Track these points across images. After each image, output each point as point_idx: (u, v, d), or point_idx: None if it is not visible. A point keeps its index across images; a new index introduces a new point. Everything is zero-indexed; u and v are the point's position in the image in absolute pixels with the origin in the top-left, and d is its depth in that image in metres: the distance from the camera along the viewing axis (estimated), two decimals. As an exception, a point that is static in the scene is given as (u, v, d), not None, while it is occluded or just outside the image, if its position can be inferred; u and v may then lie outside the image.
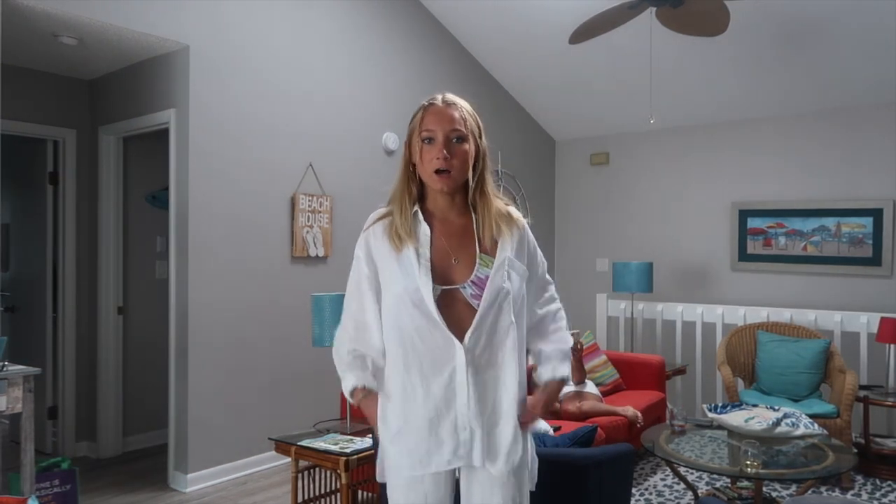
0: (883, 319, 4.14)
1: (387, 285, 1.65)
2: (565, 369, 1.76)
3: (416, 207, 1.68)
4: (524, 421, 1.65)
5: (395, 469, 1.65)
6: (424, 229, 1.66)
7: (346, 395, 1.73)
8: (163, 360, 4.09)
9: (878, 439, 4.14)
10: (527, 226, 1.77)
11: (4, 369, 2.77)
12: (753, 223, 5.44)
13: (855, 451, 3.19)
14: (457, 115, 1.65)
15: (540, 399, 1.73)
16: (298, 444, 2.94)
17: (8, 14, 3.24)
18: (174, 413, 3.84)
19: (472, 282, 1.62)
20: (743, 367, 4.55)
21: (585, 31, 3.78)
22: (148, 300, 4.59)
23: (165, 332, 4.00)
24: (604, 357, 4.49)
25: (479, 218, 1.67)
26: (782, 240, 5.31)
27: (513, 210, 1.75)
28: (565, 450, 2.43)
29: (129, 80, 4.19)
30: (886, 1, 4.02)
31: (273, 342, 4.16)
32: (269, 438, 3.21)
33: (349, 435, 3.05)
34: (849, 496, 3.66)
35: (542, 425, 3.34)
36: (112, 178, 4.39)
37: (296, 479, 3.07)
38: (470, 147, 1.65)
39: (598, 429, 3.29)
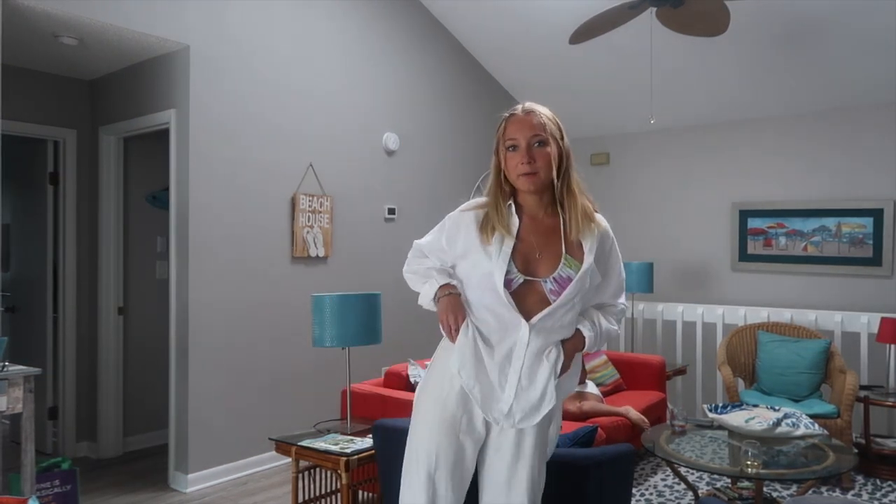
0: (883, 320, 4.14)
1: (469, 269, 1.84)
2: (591, 334, 1.85)
3: (511, 201, 1.85)
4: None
5: (440, 380, 1.86)
6: (515, 222, 1.83)
7: (429, 299, 1.89)
8: (163, 360, 4.10)
9: (878, 439, 4.14)
10: (608, 234, 1.92)
11: (5, 369, 2.77)
12: (754, 223, 5.44)
13: (855, 451, 3.19)
14: (536, 121, 1.80)
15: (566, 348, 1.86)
16: (299, 444, 2.94)
17: (8, 14, 3.24)
18: (174, 413, 3.84)
19: (553, 278, 1.79)
20: (743, 367, 4.55)
21: (586, 32, 3.77)
22: (148, 300, 4.59)
23: (166, 333, 4.00)
24: (604, 357, 4.49)
25: (566, 216, 1.83)
26: (783, 240, 5.31)
27: (597, 215, 1.91)
28: (566, 450, 2.43)
29: (130, 81, 4.19)
30: (886, 1, 4.02)
31: (273, 342, 4.16)
32: (270, 438, 3.20)
33: (349, 435, 3.05)
34: (849, 496, 3.66)
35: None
36: (112, 179, 4.39)
37: (296, 479, 3.07)
38: (552, 149, 1.80)
39: (599, 429, 3.29)
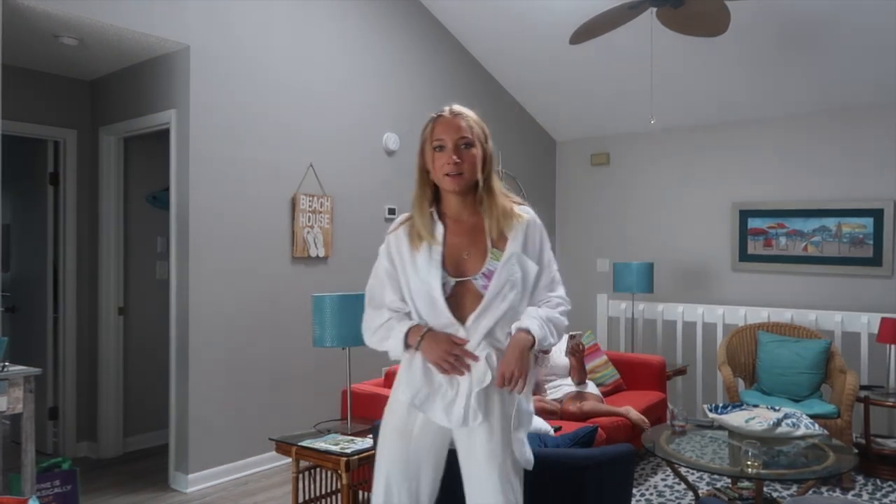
0: (883, 320, 4.14)
1: (407, 279, 1.88)
2: (535, 324, 1.81)
3: (433, 209, 1.90)
4: (498, 384, 1.80)
5: (396, 400, 1.92)
6: (439, 228, 1.88)
7: (400, 352, 1.88)
8: (163, 360, 4.10)
9: (878, 440, 4.14)
10: (534, 223, 1.90)
11: (5, 370, 2.77)
12: (754, 223, 5.44)
13: (855, 451, 3.19)
14: (463, 123, 1.84)
15: (506, 355, 1.80)
16: (299, 444, 2.94)
17: (8, 14, 3.24)
18: (175, 413, 3.84)
19: (483, 273, 1.83)
20: (743, 367, 4.55)
21: (586, 32, 3.78)
22: (148, 300, 4.59)
23: (166, 333, 4.00)
24: (604, 357, 4.49)
25: (487, 216, 1.86)
26: (783, 240, 5.31)
27: (521, 208, 1.91)
28: (566, 450, 2.43)
29: (130, 81, 4.19)
30: (886, 1, 4.02)
31: (274, 342, 4.16)
32: (270, 439, 3.21)
33: (349, 435, 3.05)
34: (849, 496, 3.66)
35: (541, 424, 3.34)
36: (113, 179, 4.39)
37: (296, 479, 3.07)
38: (477, 151, 1.84)
39: (599, 429, 3.29)
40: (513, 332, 1.82)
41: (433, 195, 1.91)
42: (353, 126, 4.64)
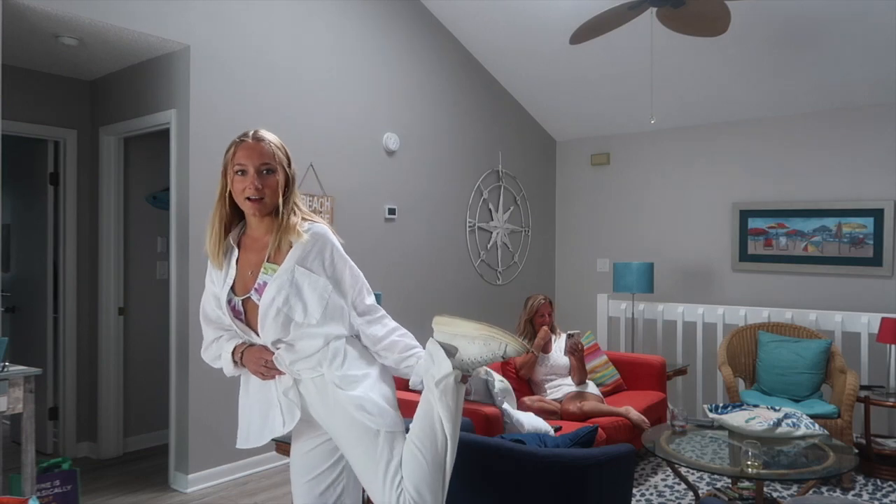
0: (884, 320, 4.14)
1: (211, 296, 1.97)
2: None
3: (235, 230, 1.95)
4: None
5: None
6: (234, 249, 1.92)
7: (231, 368, 2.01)
8: (164, 360, 4.10)
9: (879, 440, 4.14)
10: (318, 238, 1.88)
11: (5, 370, 2.77)
12: (754, 223, 5.44)
13: (856, 451, 3.19)
14: (266, 149, 1.85)
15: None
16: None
17: (8, 14, 3.24)
18: (175, 413, 3.83)
19: (255, 289, 1.87)
20: (744, 367, 4.54)
21: (586, 32, 3.78)
22: (149, 301, 4.59)
23: (166, 333, 4.00)
24: (605, 357, 4.49)
25: (276, 233, 1.86)
26: (783, 240, 5.31)
27: (310, 224, 1.90)
28: (566, 450, 2.43)
29: (130, 81, 4.19)
30: (886, 2, 4.02)
31: (274, 342, 4.15)
32: (270, 439, 3.20)
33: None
34: (850, 497, 3.66)
35: (541, 424, 3.34)
36: (113, 179, 4.39)
37: (296, 479, 3.06)
38: (279, 177, 1.86)
39: (599, 429, 3.29)
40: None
41: (232, 216, 1.92)
42: (353, 126, 4.64)
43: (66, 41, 3.67)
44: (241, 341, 1.95)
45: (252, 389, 2.03)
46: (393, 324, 2.01)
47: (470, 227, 5.57)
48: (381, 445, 1.85)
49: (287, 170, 1.90)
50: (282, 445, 3.02)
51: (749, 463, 2.81)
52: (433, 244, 5.26)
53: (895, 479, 3.89)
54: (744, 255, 5.49)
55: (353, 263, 1.96)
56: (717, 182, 5.66)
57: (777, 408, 3.47)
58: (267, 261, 1.87)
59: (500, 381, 3.55)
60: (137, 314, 4.55)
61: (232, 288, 1.90)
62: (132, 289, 4.53)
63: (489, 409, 3.16)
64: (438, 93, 5.30)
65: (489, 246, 5.78)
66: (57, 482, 3.26)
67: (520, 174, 6.11)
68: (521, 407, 3.77)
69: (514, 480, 2.34)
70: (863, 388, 4.19)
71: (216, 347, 2.01)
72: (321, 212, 4.37)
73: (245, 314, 1.91)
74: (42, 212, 4.44)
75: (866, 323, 4.50)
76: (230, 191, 1.87)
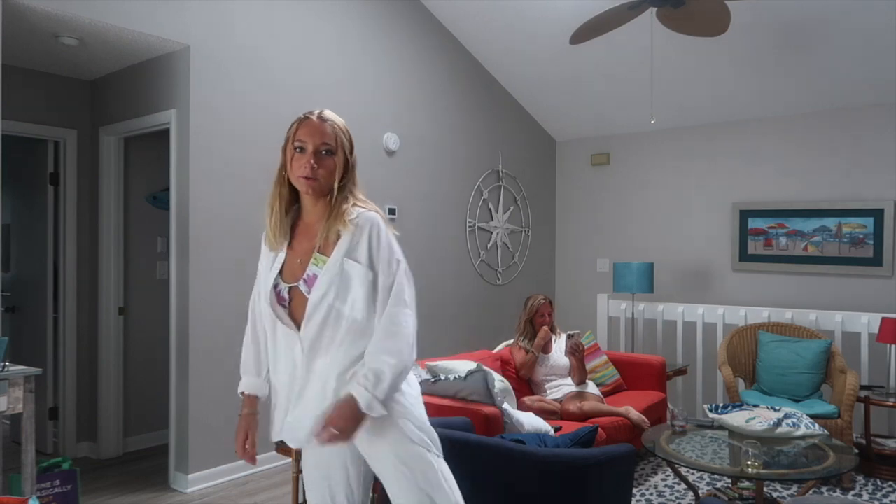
0: (884, 320, 4.14)
1: (259, 282, 1.93)
2: (362, 391, 1.68)
3: (289, 214, 1.88)
4: (319, 437, 1.69)
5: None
6: (287, 233, 1.86)
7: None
8: (164, 360, 4.10)
9: (879, 440, 4.14)
10: (366, 224, 1.79)
11: (5, 370, 2.77)
12: (754, 223, 5.44)
13: (856, 451, 3.19)
14: (328, 129, 1.81)
15: (329, 416, 1.70)
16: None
17: (8, 14, 3.24)
18: (175, 413, 3.83)
19: (304, 279, 1.79)
20: (744, 367, 4.54)
21: (586, 32, 3.77)
22: (149, 301, 4.59)
23: (166, 333, 4.00)
24: (605, 357, 4.49)
25: (326, 221, 1.79)
26: (783, 240, 5.31)
27: (364, 213, 1.81)
28: (566, 450, 2.43)
29: (130, 81, 4.19)
30: (886, 2, 4.02)
31: (274, 342, 4.15)
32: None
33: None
34: (850, 497, 3.66)
35: (541, 424, 3.34)
36: (113, 179, 4.39)
37: (296, 479, 3.06)
38: (338, 159, 1.81)
39: (599, 429, 3.29)
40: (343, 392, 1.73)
41: (290, 196, 1.87)
42: (353, 126, 4.57)
43: (66, 41, 3.67)
44: (247, 389, 2.00)
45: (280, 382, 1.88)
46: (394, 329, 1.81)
47: (470, 227, 5.57)
48: (438, 469, 1.77)
49: (348, 155, 1.86)
50: (282, 446, 3.02)
51: (749, 463, 2.81)
52: (433, 244, 5.26)
53: (895, 479, 3.89)
54: (744, 255, 5.49)
55: (399, 257, 1.81)
56: (717, 182, 5.66)
57: (777, 408, 3.47)
58: (317, 251, 1.79)
59: (500, 381, 3.55)
60: (137, 314, 4.55)
61: (280, 273, 1.83)
62: (132, 289, 4.53)
63: (489, 409, 3.17)
64: (439, 93, 5.30)
65: (489, 246, 5.78)
66: (57, 482, 3.26)
67: (520, 174, 6.11)
68: (521, 407, 3.77)
69: (514, 480, 2.34)
70: (863, 388, 4.19)
71: (242, 363, 2.06)
72: (321, 212, 4.36)
73: (289, 303, 1.82)
74: (42, 212, 4.44)
75: (866, 323, 4.50)
76: (287, 170, 1.83)
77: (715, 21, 3.58)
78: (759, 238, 5.41)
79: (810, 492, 3.40)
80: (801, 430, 3.25)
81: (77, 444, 4.41)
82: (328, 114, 1.86)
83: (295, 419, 1.79)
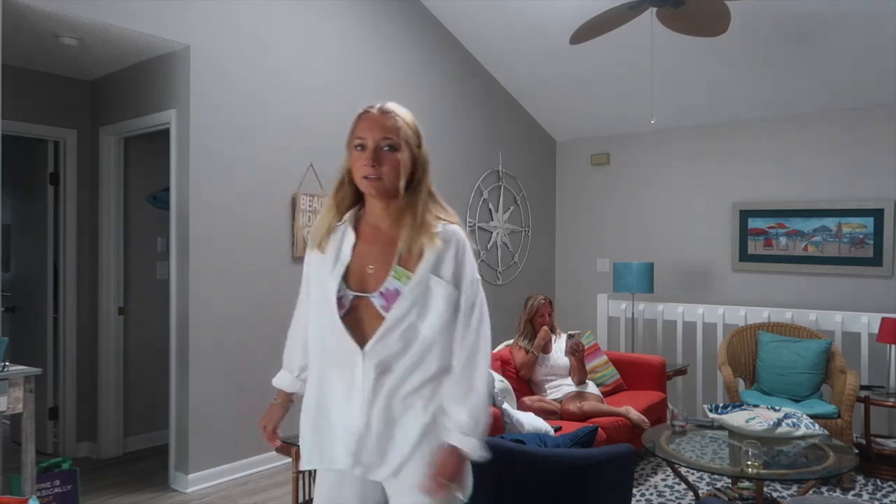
0: (884, 320, 4.14)
1: (309, 287, 1.76)
2: (466, 439, 1.55)
3: (349, 212, 1.71)
4: (428, 489, 1.54)
5: (306, 458, 1.74)
6: (350, 234, 1.68)
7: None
8: (164, 360, 4.09)
9: (879, 440, 4.14)
10: (453, 241, 1.65)
11: (5, 370, 2.77)
12: (754, 223, 5.44)
13: (856, 451, 3.19)
14: (390, 123, 1.65)
15: (432, 471, 1.55)
16: (300, 444, 2.93)
17: (8, 14, 3.24)
18: (175, 413, 3.83)
19: (381, 292, 1.60)
20: (744, 367, 4.54)
21: (586, 32, 3.77)
22: (149, 301, 4.59)
23: (166, 333, 4.00)
24: (605, 357, 4.49)
25: (404, 229, 1.63)
26: (783, 240, 5.31)
27: (448, 226, 1.65)
28: (566, 450, 2.43)
29: (130, 81, 4.19)
30: (887, 2, 4.02)
31: (274, 342, 4.14)
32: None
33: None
34: (850, 497, 3.66)
35: (541, 424, 3.34)
36: (113, 179, 4.39)
37: (297, 479, 3.06)
38: (403, 155, 1.63)
39: (599, 429, 3.29)
40: (442, 442, 1.57)
41: (354, 197, 1.71)
42: (354, 126, 4.63)
43: (66, 41, 3.67)
44: (282, 384, 1.93)
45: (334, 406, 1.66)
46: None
47: (470, 226, 5.57)
48: None
49: (415, 150, 1.66)
50: (282, 445, 3.02)
51: (749, 463, 2.81)
52: (433, 244, 5.25)
53: (895, 479, 3.89)
54: (744, 255, 5.49)
55: (477, 275, 1.69)
56: (717, 182, 5.66)
57: (777, 408, 3.47)
58: (397, 263, 1.61)
59: (500, 381, 3.55)
60: (137, 314, 4.55)
61: (344, 278, 1.64)
62: (132, 289, 4.53)
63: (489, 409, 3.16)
64: (439, 93, 5.30)
65: (489, 246, 5.78)
66: (57, 482, 3.26)
67: (520, 174, 6.11)
68: (521, 407, 3.77)
69: (513, 480, 2.34)
70: (863, 388, 4.19)
71: (284, 358, 1.97)
72: (321, 212, 4.36)
73: (350, 312, 1.62)
74: (42, 212, 4.44)
75: (866, 323, 4.50)
76: (350, 168, 1.68)
77: (715, 21, 3.58)
78: (759, 238, 5.41)
79: (810, 492, 3.40)
80: (801, 430, 3.25)
81: (77, 444, 4.41)
82: (391, 106, 1.71)
83: (344, 436, 1.61)
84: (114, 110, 4.31)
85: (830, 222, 5.09)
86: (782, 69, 4.82)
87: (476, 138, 5.63)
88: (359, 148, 1.64)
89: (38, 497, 3.11)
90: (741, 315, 4.98)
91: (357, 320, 1.61)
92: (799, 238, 5.23)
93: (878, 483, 3.86)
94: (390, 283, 1.60)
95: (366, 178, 1.60)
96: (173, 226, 3.85)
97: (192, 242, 3.77)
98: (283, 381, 1.93)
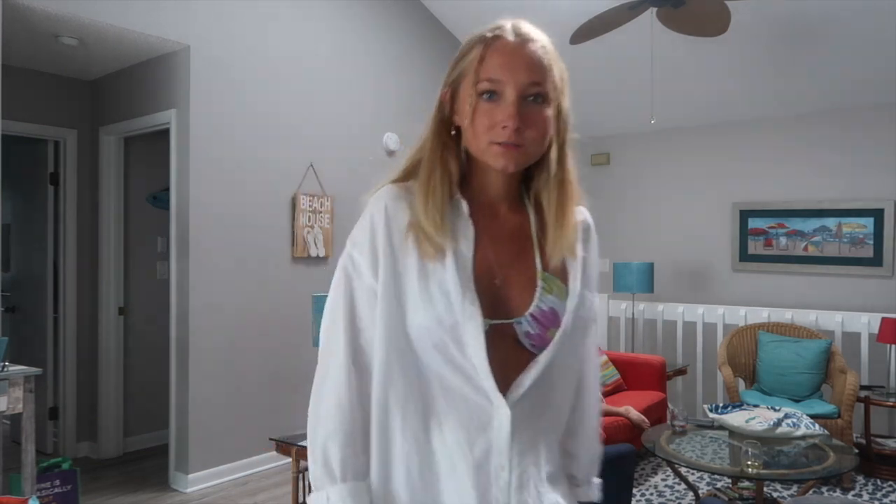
0: (884, 320, 4.14)
1: (403, 314, 1.00)
2: (596, 492, 1.25)
3: (459, 195, 1.07)
4: None
5: None
6: (468, 229, 1.04)
7: None
8: (164, 360, 4.09)
9: (879, 440, 4.14)
10: (594, 237, 1.17)
11: (5, 370, 2.77)
12: (754, 223, 5.44)
13: (856, 451, 3.19)
14: (539, 57, 1.05)
15: None
16: (299, 444, 2.94)
17: (8, 14, 3.24)
18: (175, 413, 3.83)
19: (532, 315, 1.01)
20: (744, 367, 4.54)
21: (586, 32, 3.77)
22: (149, 300, 4.59)
23: (166, 333, 4.00)
24: (605, 357, 4.48)
25: (547, 218, 1.07)
26: (783, 240, 5.30)
27: (585, 211, 1.16)
28: (566, 450, 2.43)
29: (130, 81, 4.19)
30: (887, 1, 4.02)
31: (274, 342, 4.15)
32: (270, 439, 3.20)
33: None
34: (850, 497, 3.66)
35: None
36: (113, 179, 4.39)
37: (296, 479, 3.06)
38: (551, 112, 1.07)
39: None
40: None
41: (460, 170, 1.08)
42: (353, 126, 4.64)
43: (66, 41, 3.67)
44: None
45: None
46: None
47: (470, 227, 5.57)
48: None
49: (562, 102, 1.11)
50: (282, 445, 3.02)
51: (749, 463, 2.81)
52: (433, 244, 5.25)
53: (895, 479, 3.89)
54: (744, 255, 5.49)
55: None
56: (717, 182, 5.66)
57: (777, 408, 3.47)
58: (544, 269, 1.05)
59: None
60: (137, 314, 4.55)
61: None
62: (132, 289, 4.53)
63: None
64: (438, 93, 5.29)
65: (489, 246, 5.77)
66: (57, 482, 3.25)
67: (520, 174, 6.11)
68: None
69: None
70: (863, 388, 4.19)
71: (325, 451, 1.02)
72: (321, 212, 4.37)
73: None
74: (42, 212, 4.44)
75: (866, 323, 4.50)
76: (456, 125, 1.09)
77: (715, 21, 3.58)
78: (759, 238, 5.41)
79: (810, 492, 3.40)
80: (801, 430, 3.25)
81: (77, 444, 4.41)
82: (529, 29, 1.10)
83: None
84: (114, 110, 4.31)
85: (830, 222, 5.09)
86: (782, 69, 4.82)
87: (476, 138, 5.62)
88: (487, 96, 1.03)
89: (38, 497, 3.11)
90: (741, 315, 4.98)
91: (495, 361, 0.98)
92: (799, 238, 5.23)
93: (878, 483, 3.86)
94: (543, 299, 1.03)
95: (500, 143, 1.00)
96: (173, 226, 3.85)
97: (192, 242, 3.77)
98: (348, 498, 1.00)
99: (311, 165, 4.35)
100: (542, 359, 1.00)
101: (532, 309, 1.02)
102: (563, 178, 1.10)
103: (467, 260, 1.01)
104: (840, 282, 5.06)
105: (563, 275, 1.07)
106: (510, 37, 1.08)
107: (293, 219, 4.24)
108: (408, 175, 1.14)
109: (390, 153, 4.87)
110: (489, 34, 1.09)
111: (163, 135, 4.02)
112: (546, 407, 1.04)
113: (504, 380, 0.98)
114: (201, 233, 3.81)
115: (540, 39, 1.09)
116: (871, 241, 4.91)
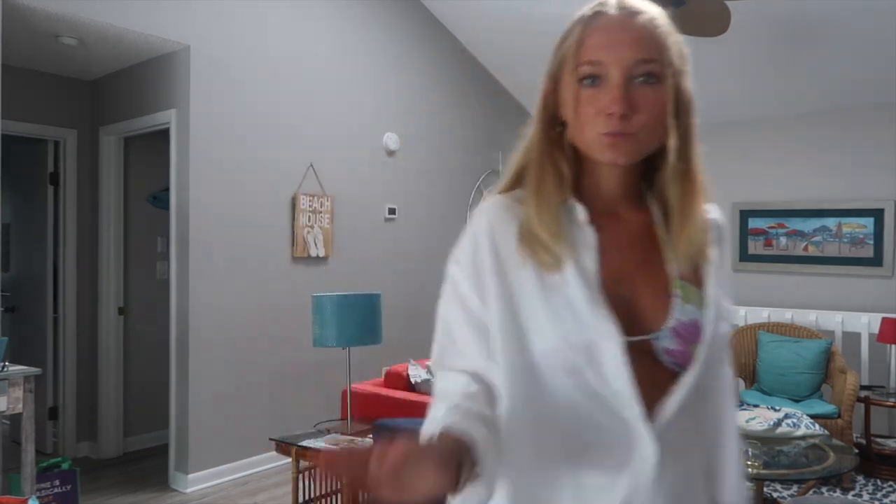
0: (884, 320, 4.14)
1: (523, 333, 0.88)
2: None
3: (572, 199, 0.95)
4: None
5: None
6: (587, 236, 0.92)
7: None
8: (164, 360, 4.09)
9: (879, 440, 4.14)
10: (727, 238, 1.06)
11: (5, 370, 2.77)
12: (755, 223, 5.44)
13: (856, 451, 3.19)
14: (648, 31, 0.91)
15: None
16: (299, 444, 2.94)
17: (8, 14, 3.23)
18: (175, 413, 3.83)
19: (674, 330, 0.89)
20: (744, 367, 4.54)
21: (586, 32, 3.77)
22: (149, 300, 4.59)
23: (166, 333, 3.99)
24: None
25: (675, 218, 0.96)
26: (783, 240, 5.30)
27: (716, 209, 1.05)
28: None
29: (130, 81, 4.19)
30: (887, 2, 4.02)
31: (274, 342, 4.15)
32: (270, 439, 3.20)
33: (350, 435, 3.05)
34: (850, 497, 3.66)
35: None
36: (113, 179, 4.39)
37: (296, 479, 3.06)
38: (668, 92, 0.95)
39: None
40: None
41: (571, 169, 0.96)
42: (353, 126, 4.64)
43: (66, 41, 3.67)
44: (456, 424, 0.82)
45: None
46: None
47: (470, 227, 5.57)
48: None
49: (680, 80, 0.99)
50: (282, 445, 3.02)
51: (749, 463, 2.81)
52: (433, 244, 5.25)
53: (895, 479, 3.89)
54: (744, 255, 5.49)
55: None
56: (717, 182, 5.58)
57: (777, 408, 3.46)
58: (680, 277, 0.93)
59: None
60: (137, 314, 4.55)
61: None
62: (132, 289, 4.53)
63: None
64: (439, 93, 5.29)
65: (489, 246, 5.77)
66: (57, 482, 3.25)
67: (520, 174, 6.11)
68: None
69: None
70: (863, 388, 4.18)
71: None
72: (321, 212, 4.37)
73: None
74: (42, 212, 4.44)
75: (866, 323, 4.49)
76: (562, 120, 0.98)
77: (715, 21, 3.58)
78: (760, 238, 5.41)
79: (810, 492, 3.40)
80: (801, 430, 3.25)
81: (77, 444, 4.41)
82: (634, 1, 0.93)
83: None
84: (114, 110, 4.31)
85: (830, 222, 5.09)
86: (782, 69, 4.82)
87: (476, 138, 5.62)
88: (588, 81, 0.90)
89: (38, 497, 3.11)
90: (741, 315, 4.98)
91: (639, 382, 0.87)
92: (799, 238, 5.22)
93: (878, 483, 3.86)
94: (681, 310, 0.91)
95: (608, 134, 0.88)
96: (173, 226, 3.85)
97: (192, 242, 3.77)
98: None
99: (311, 165, 4.35)
100: (688, 378, 0.87)
101: (672, 321, 0.90)
102: (687, 171, 0.99)
103: (591, 270, 0.89)
104: (840, 282, 5.06)
105: (696, 281, 0.94)
106: (613, 11, 0.92)
107: (293, 219, 4.24)
108: (514, 183, 1.03)
109: (390, 153, 4.87)
110: (589, 12, 0.95)
111: (163, 135, 4.02)
112: (691, 441, 0.91)
113: (652, 399, 0.86)
114: (201, 233, 3.81)
115: (649, 11, 0.92)
116: (872, 241, 4.91)
